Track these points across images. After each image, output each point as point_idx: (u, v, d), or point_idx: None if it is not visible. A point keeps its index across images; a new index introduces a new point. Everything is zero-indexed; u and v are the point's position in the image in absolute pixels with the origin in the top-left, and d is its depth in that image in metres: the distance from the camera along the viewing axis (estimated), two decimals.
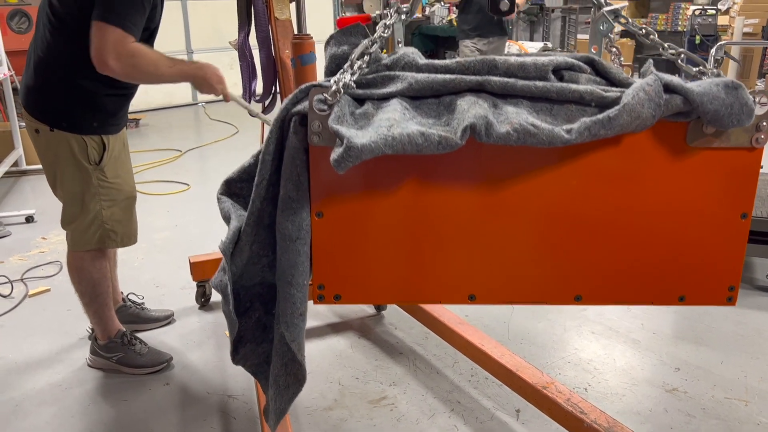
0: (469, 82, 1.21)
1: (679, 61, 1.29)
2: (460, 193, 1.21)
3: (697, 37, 7.81)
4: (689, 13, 8.09)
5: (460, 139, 1.12)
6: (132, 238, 2.36)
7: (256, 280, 1.38)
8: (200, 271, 2.85)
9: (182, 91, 8.29)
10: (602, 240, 1.23)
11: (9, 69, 5.13)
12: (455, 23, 10.00)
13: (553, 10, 10.26)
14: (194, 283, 2.90)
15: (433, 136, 1.11)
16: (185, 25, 8.22)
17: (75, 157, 2.14)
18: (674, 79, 1.15)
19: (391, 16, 1.39)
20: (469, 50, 5.82)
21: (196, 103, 8.47)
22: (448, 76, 1.22)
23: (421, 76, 1.23)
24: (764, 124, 1.16)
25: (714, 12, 7.77)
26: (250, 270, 1.34)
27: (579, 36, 10.29)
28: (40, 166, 5.73)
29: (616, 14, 1.40)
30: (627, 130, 1.14)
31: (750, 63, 8.15)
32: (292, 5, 2.46)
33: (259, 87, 2.61)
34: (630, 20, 1.39)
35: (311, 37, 2.32)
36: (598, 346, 2.59)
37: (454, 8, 10.68)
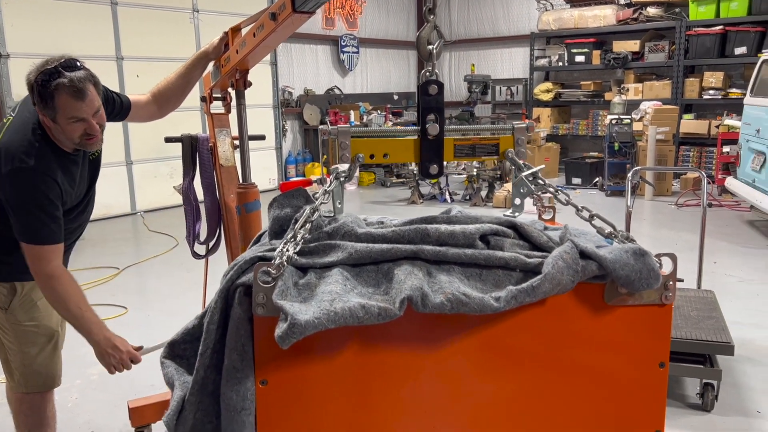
0: (405, 251, 1.30)
1: (592, 223, 1.43)
2: (399, 356, 1.27)
3: (616, 144, 8.42)
4: (607, 121, 8.75)
5: (399, 310, 1.19)
6: (56, 380, 2.30)
7: None
8: (139, 416, 2.71)
9: (121, 203, 8.22)
10: (530, 395, 1.30)
11: None
12: None
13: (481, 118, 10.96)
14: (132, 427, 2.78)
15: (373, 308, 1.18)
16: (125, 137, 8.27)
17: None
18: (588, 247, 1.28)
19: (331, 183, 1.49)
20: None
21: (135, 213, 8.39)
22: (385, 246, 1.31)
23: (360, 246, 1.31)
24: (671, 283, 1.29)
25: (629, 121, 8.44)
26: None
27: None
28: None
29: (534, 176, 1.55)
30: (550, 295, 1.24)
31: (665, 165, 8.82)
32: (237, 152, 2.55)
33: (203, 230, 2.65)
34: (546, 182, 1.54)
35: (255, 186, 2.40)
36: None
37: (390, 116, 11.22)
